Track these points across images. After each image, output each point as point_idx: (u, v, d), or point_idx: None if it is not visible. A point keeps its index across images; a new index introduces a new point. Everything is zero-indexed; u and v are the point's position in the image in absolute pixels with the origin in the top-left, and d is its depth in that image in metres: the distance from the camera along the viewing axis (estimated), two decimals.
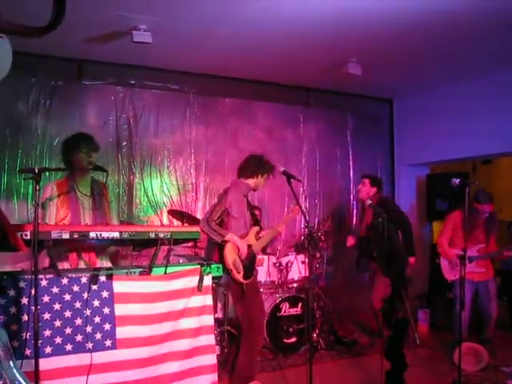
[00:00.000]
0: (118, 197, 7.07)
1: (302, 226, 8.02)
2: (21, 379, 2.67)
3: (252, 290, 5.15)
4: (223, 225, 5.05)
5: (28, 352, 3.30)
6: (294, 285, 6.91)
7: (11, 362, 2.76)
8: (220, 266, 4.36)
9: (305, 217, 5.16)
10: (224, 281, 5.17)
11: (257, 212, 6.68)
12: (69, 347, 3.50)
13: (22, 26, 2.32)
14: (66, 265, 4.11)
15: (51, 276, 3.52)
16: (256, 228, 5.28)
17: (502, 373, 5.31)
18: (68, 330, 3.52)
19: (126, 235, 3.78)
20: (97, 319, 3.64)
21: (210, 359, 4.20)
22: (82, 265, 4.20)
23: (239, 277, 4.96)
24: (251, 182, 5.26)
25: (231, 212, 5.03)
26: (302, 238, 7.44)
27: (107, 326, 3.67)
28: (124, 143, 7.19)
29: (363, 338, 6.97)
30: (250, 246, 5.09)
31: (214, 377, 4.21)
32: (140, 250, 4.42)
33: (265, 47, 6.51)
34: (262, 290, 6.27)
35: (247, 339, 5.14)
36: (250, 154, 5.44)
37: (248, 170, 5.27)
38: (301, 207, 4.78)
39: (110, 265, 4.38)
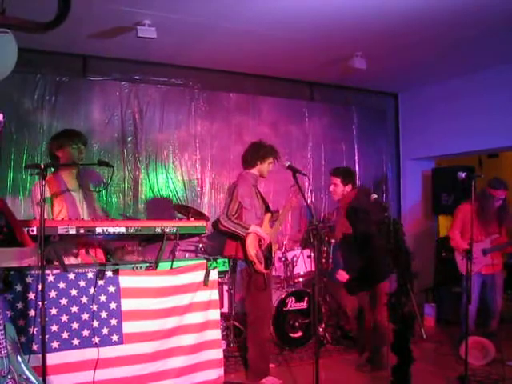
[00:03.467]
0: (123, 192, 7.09)
1: (308, 220, 8.03)
2: (29, 374, 2.68)
3: (270, 279, 5.29)
4: (238, 218, 5.10)
5: (35, 347, 3.32)
6: (300, 279, 6.91)
7: (19, 357, 2.78)
8: (226, 260, 4.37)
9: (310, 211, 5.18)
10: (245, 272, 5.22)
11: None
12: (76, 342, 3.53)
13: (27, 21, 2.32)
14: (74, 261, 4.11)
15: (58, 271, 3.54)
16: (269, 215, 5.38)
17: (509, 367, 5.29)
18: (75, 325, 3.54)
19: (132, 230, 3.79)
20: (103, 314, 3.66)
21: (217, 354, 4.23)
22: (90, 260, 4.22)
23: (261, 268, 5.07)
24: (256, 170, 5.34)
25: (244, 204, 5.10)
26: (308, 232, 7.43)
27: (114, 321, 3.69)
28: (129, 139, 7.18)
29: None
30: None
31: (221, 371, 4.23)
32: (146, 246, 4.43)
33: (269, 41, 6.49)
34: None
35: (254, 332, 5.22)
36: (250, 143, 5.53)
37: (249, 159, 5.36)
38: (303, 193, 4.75)
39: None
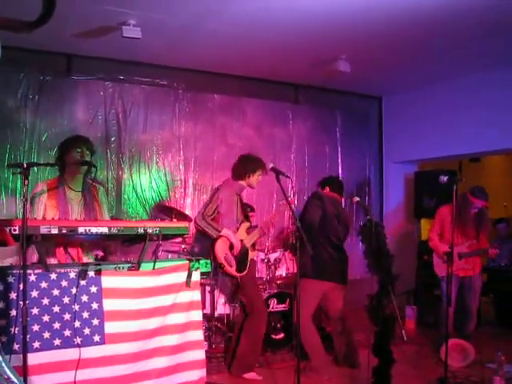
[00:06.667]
0: (106, 193, 7.04)
1: (291, 222, 8.04)
2: (10, 374, 2.66)
3: (250, 280, 5.39)
4: (214, 221, 5.23)
5: (16, 347, 3.29)
6: (283, 281, 6.92)
7: (0, 357, 2.76)
8: (208, 261, 4.38)
9: (293, 213, 5.22)
10: (221, 275, 5.30)
11: (250, 213, 6.84)
12: (57, 342, 3.50)
13: (12, 20, 2.31)
14: (52, 260, 4.08)
15: (40, 271, 3.52)
16: (247, 224, 5.48)
17: (488, 369, 5.34)
18: (56, 325, 3.52)
19: (114, 230, 3.78)
20: (85, 314, 3.64)
21: (199, 354, 4.21)
22: (68, 260, 4.19)
23: (232, 270, 5.17)
24: (244, 182, 5.43)
25: (220, 209, 5.22)
26: (291, 234, 7.43)
27: (96, 321, 3.67)
28: (113, 139, 7.18)
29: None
30: (241, 241, 5.32)
31: (203, 372, 4.22)
32: (129, 246, 4.43)
33: (254, 44, 6.52)
34: None
35: (251, 327, 5.33)
36: (240, 155, 5.58)
37: (239, 171, 5.44)
38: (289, 203, 4.81)
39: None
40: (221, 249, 5.14)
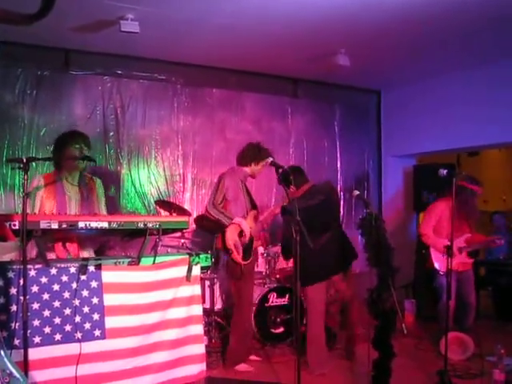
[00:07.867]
0: (105, 187, 7.04)
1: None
2: (12, 369, 2.67)
3: (249, 272, 5.42)
4: (223, 208, 5.25)
5: (17, 342, 3.30)
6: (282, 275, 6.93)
7: (2, 352, 2.76)
8: (208, 255, 4.38)
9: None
10: (222, 261, 5.30)
11: None
12: (58, 337, 3.51)
13: (12, 12, 2.30)
14: (51, 255, 4.08)
15: (40, 266, 3.53)
16: (254, 212, 5.51)
17: (487, 362, 5.35)
18: (57, 320, 3.52)
19: (114, 225, 3.78)
20: (86, 309, 3.65)
21: (199, 349, 4.23)
22: (67, 255, 4.19)
23: (238, 258, 5.20)
24: (248, 169, 5.50)
25: (227, 196, 5.24)
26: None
27: (96, 316, 3.68)
28: (111, 134, 7.15)
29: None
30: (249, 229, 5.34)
31: (203, 366, 4.24)
32: (129, 240, 4.43)
33: (253, 38, 6.49)
34: None
35: (237, 321, 5.39)
36: (248, 143, 5.65)
37: (244, 157, 5.50)
38: (286, 191, 4.84)
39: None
40: (231, 235, 5.15)
